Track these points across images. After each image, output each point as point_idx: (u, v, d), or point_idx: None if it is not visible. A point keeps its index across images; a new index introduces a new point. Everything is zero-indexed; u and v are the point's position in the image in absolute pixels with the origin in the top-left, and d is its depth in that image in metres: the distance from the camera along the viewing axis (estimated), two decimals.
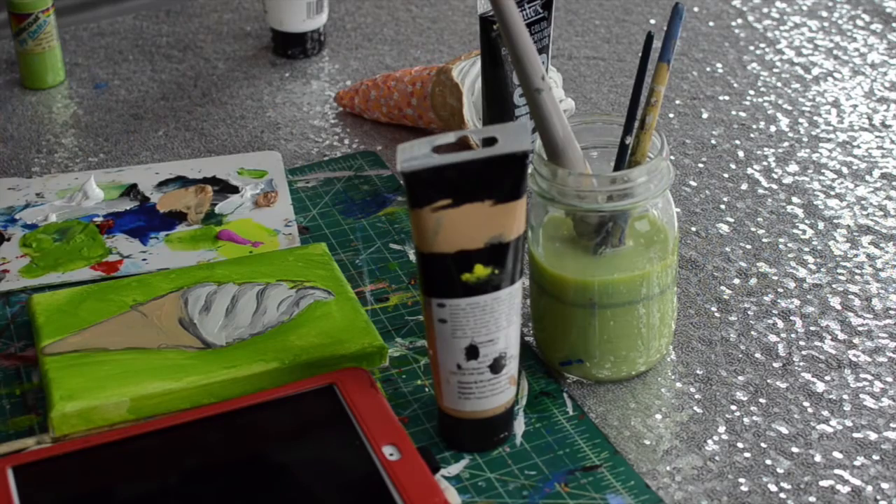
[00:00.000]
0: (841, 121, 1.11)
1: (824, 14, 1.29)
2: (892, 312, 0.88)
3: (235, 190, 1.01)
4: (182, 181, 1.03)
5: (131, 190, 1.02)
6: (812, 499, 0.75)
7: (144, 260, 0.94)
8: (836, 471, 0.76)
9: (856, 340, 0.86)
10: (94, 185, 1.01)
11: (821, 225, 0.98)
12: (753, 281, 0.92)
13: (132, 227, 0.98)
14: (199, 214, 0.98)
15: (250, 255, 0.94)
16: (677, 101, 1.14)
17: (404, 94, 1.08)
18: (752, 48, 1.23)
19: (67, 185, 1.02)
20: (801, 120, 1.11)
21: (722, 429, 0.79)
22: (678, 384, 0.83)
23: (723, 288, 0.91)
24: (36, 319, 0.86)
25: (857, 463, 0.77)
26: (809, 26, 1.26)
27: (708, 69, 1.19)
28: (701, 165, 1.05)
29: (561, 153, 0.78)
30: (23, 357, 0.86)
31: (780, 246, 0.95)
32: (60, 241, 0.96)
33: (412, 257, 0.95)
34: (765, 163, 1.05)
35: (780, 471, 0.76)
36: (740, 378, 0.83)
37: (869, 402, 0.81)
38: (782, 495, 0.75)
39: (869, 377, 0.83)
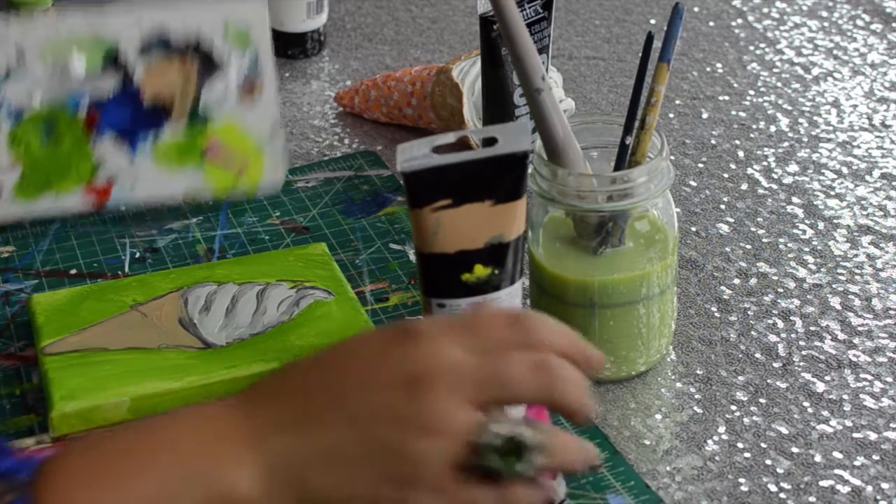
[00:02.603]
0: (841, 121, 1.11)
1: (824, 14, 1.29)
2: (892, 312, 0.88)
3: (220, 64, 0.97)
4: (166, 45, 0.97)
5: (114, 58, 0.96)
6: (812, 499, 0.75)
7: (132, 189, 0.97)
8: (836, 471, 0.76)
9: (856, 340, 0.86)
10: (77, 58, 0.96)
11: (821, 225, 0.98)
12: (753, 281, 0.92)
13: (119, 126, 0.96)
14: (186, 103, 0.96)
15: (251, 255, 0.94)
16: (677, 101, 1.14)
17: (404, 94, 1.08)
18: (752, 48, 1.23)
19: (49, 37, 0.95)
20: (801, 120, 1.11)
21: (722, 429, 0.79)
22: (678, 384, 0.83)
23: (723, 288, 0.91)
24: (36, 319, 0.86)
25: (857, 463, 0.77)
26: (809, 26, 1.26)
27: (708, 69, 1.19)
28: (701, 165, 1.05)
29: (561, 153, 0.78)
30: (23, 357, 0.86)
31: (780, 246, 0.95)
32: (48, 142, 0.95)
33: (412, 257, 0.95)
34: (765, 163, 1.05)
35: (780, 471, 0.76)
36: (740, 378, 0.83)
37: (869, 402, 0.81)
38: (782, 495, 0.75)
39: (869, 377, 0.83)
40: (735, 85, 1.17)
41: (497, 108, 0.96)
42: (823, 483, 0.76)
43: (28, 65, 0.95)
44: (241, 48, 0.97)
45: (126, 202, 0.96)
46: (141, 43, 0.96)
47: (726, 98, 1.15)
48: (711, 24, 1.28)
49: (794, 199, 1.01)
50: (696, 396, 0.82)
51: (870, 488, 0.75)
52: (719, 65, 1.20)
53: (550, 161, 0.79)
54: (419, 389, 0.59)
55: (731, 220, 0.99)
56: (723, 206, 1.00)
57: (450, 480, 0.59)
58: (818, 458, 0.77)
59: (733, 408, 0.81)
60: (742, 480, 0.76)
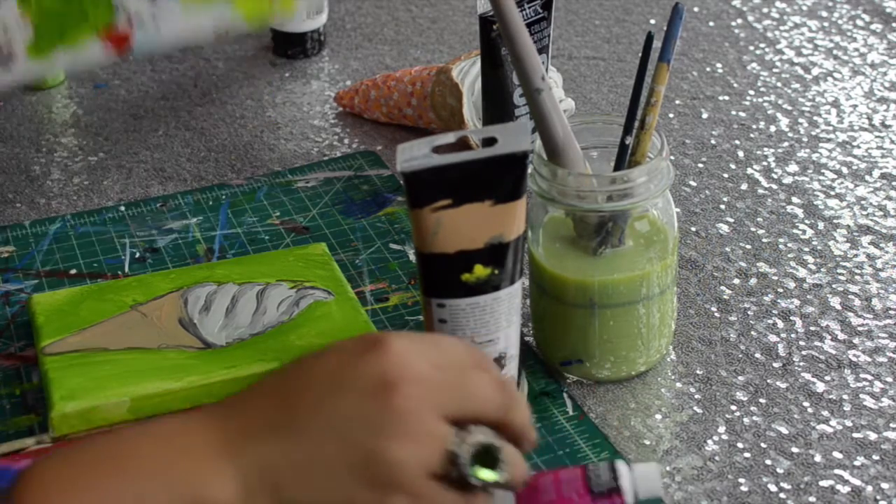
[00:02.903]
0: (841, 121, 1.11)
1: (824, 14, 1.29)
2: (892, 312, 0.88)
3: None
4: None
5: None
6: (812, 499, 0.75)
7: (156, 31, 0.87)
8: (836, 471, 0.76)
9: (856, 340, 0.86)
10: None
11: (821, 225, 0.98)
12: (753, 281, 0.92)
13: None
14: None
15: (251, 255, 0.94)
16: (677, 101, 1.14)
17: (404, 94, 1.08)
18: (752, 48, 1.23)
19: None
20: (800, 120, 1.11)
21: (722, 429, 0.79)
22: (678, 384, 0.83)
23: (723, 288, 0.91)
24: (36, 319, 0.86)
25: (857, 463, 0.77)
26: (809, 26, 1.26)
27: (708, 69, 1.19)
28: (701, 165, 1.05)
29: (561, 153, 0.78)
30: (23, 357, 0.86)
31: (780, 246, 0.95)
32: None
33: (412, 257, 0.95)
34: (765, 163, 1.05)
35: (780, 471, 0.76)
36: (740, 378, 0.83)
37: (869, 402, 0.81)
38: (782, 495, 0.75)
39: (869, 377, 0.83)
40: (735, 85, 1.17)
41: (497, 108, 0.96)
42: (823, 483, 0.76)
43: None
44: None
45: (151, 47, 0.87)
46: None
47: (726, 98, 1.15)
48: (711, 24, 1.28)
49: (794, 199, 1.01)
50: (696, 396, 0.82)
51: (870, 488, 0.75)
52: (719, 65, 1.20)
53: (550, 161, 0.79)
54: (392, 395, 0.60)
55: (731, 220, 0.99)
56: (723, 206, 1.00)
57: (425, 486, 0.60)
58: (818, 458, 0.77)
59: (733, 408, 0.81)
60: (742, 480, 0.76)
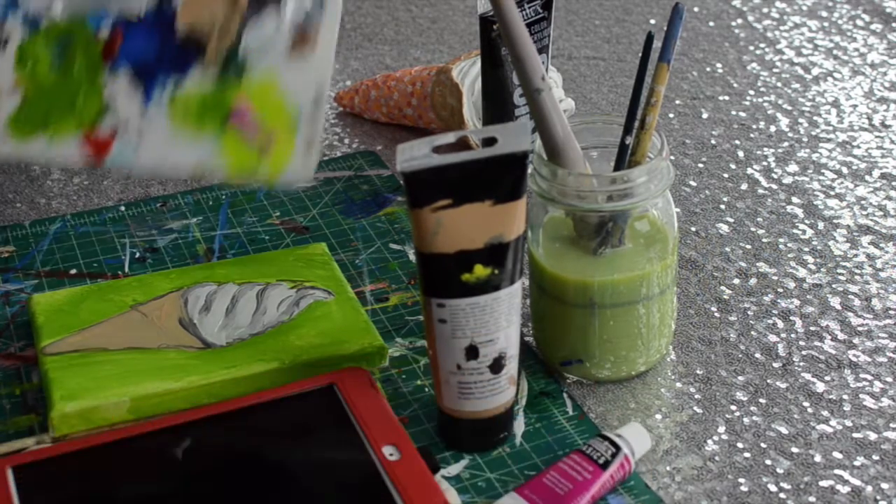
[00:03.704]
0: (841, 121, 1.11)
1: (824, 14, 1.29)
2: (892, 312, 0.88)
3: (276, 1, 0.82)
4: None
5: None
6: (812, 499, 0.75)
7: (136, 149, 0.82)
8: (836, 471, 0.76)
9: (856, 340, 0.86)
10: None
11: (821, 225, 0.98)
12: (753, 281, 0.92)
13: (141, 59, 0.82)
14: (223, 44, 0.81)
15: (251, 255, 0.94)
16: (677, 101, 1.14)
17: (404, 94, 1.09)
18: (752, 48, 1.23)
19: None
20: (801, 120, 1.11)
21: (722, 429, 0.79)
22: (678, 384, 0.83)
23: (723, 288, 0.91)
24: (36, 319, 0.86)
25: (857, 463, 0.77)
26: (809, 26, 1.27)
27: (708, 69, 1.19)
28: (701, 165, 1.05)
29: (561, 153, 0.78)
30: (23, 357, 0.86)
31: (780, 246, 0.95)
32: (59, 65, 0.83)
33: (412, 257, 0.95)
34: (765, 163, 1.05)
35: (780, 471, 0.76)
36: (740, 378, 0.83)
37: (869, 402, 0.81)
38: (782, 495, 0.75)
39: (869, 377, 0.83)
40: (735, 85, 1.17)
41: (497, 108, 0.96)
42: (823, 483, 0.76)
43: None
44: None
45: (126, 165, 0.82)
46: None
47: (726, 98, 1.15)
48: (711, 24, 1.28)
49: (794, 199, 1.01)
50: (696, 396, 0.82)
51: (870, 488, 0.75)
52: (719, 65, 1.20)
53: (550, 161, 0.79)
54: None
55: (731, 220, 0.99)
56: (723, 206, 1.00)
57: None
58: (818, 458, 0.77)
59: (733, 408, 0.81)
60: (742, 480, 0.76)
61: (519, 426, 0.79)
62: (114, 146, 0.82)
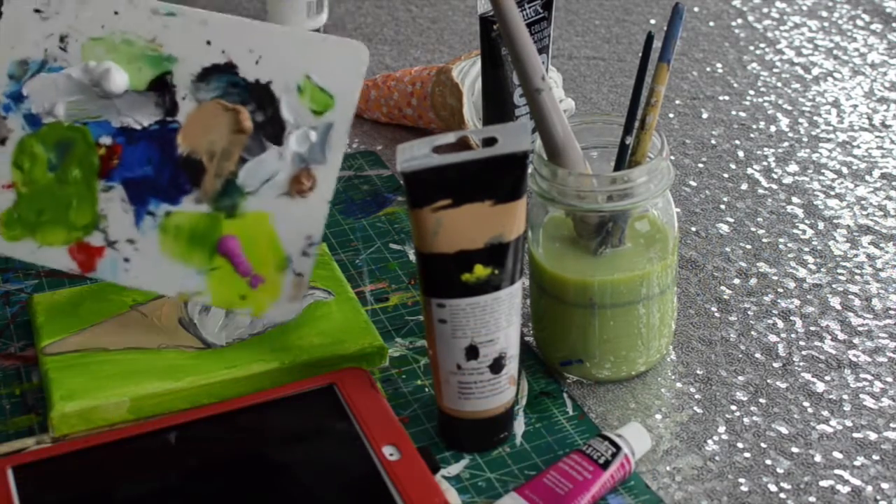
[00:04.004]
0: (841, 121, 1.11)
1: (824, 14, 1.29)
2: (892, 312, 0.88)
3: (280, 133, 0.79)
4: (228, 80, 0.80)
5: (162, 84, 0.81)
6: (812, 499, 0.75)
7: (126, 269, 0.82)
8: (836, 471, 0.76)
9: (856, 340, 0.86)
10: (118, 75, 0.81)
11: (821, 225, 0.98)
12: (753, 281, 0.92)
13: (137, 178, 0.81)
14: (219, 179, 0.79)
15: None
16: (677, 101, 1.14)
17: (404, 94, 1.09)
18: (752, 48, 1.23)
19: (101, 32, 0.82)
20: (801, 120, 1.11)
21: (722, 429, 0.79)
22: (678, 384, 0.83)
23: (723, 288, 0.91)
24: (36, 319, 0.86)
25: (857, 463, 0.77)
26: (809, 26, 1.27)
27: (708, 69, 1.19)
28: (701, 165, 1.05)
29: (561, 153, 0.78)
30: (23, 357, 0.86)
31: (780, 246, 0.95)
32: (56, 168, 0.82)
33: (412, 257, 0.95)
34: (765, 163, 1.05)
35: (780, 471, 0.76)
36: (740, 378, 0.83)
37: (869, 402, 0.81)
38: (782, 495, 0.75)
39: (869, 377, 0.83)
40: (735, 85, 1.17)
41: (497, 108, 0.96)
42: (823, 483, 0.76)
43: (69, 56, 0.82)
44: (316, 114, 0.80)
45: (111, 280, 0.83)
46: (201, 67, 0.81)
47: (726, 98, 1.15)
48: (711, 24, 1.28)
49: (794, 199, 1.01)
50: (696, 396, 0.82)
51: (870, 488, 0.75)
52: (719, 65, 1.20)
53: (550, 161, 0.79)
54: None
55: (731, 220, 0.99)
56: (723, 206, 1.00)
57: None
58: (818, 458, 0.77)
59: (733, 408, 0.81)
60: (742, 480, 0.76)
61: (519, 426, 0.79)
62: (99, 263, 0.82)
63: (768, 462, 0.77)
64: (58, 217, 0.82)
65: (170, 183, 0.81)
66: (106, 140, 0.82)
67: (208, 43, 0.80)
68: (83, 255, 0.83)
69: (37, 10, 0.82)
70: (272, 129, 0.80)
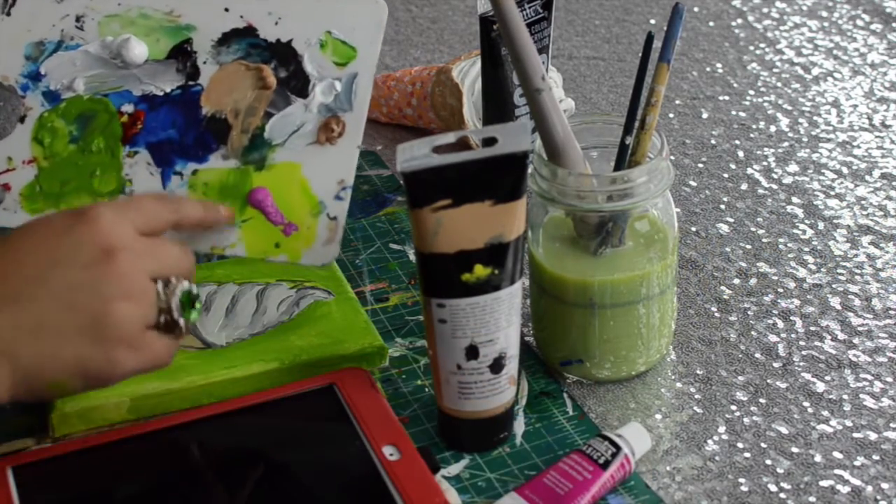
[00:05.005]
0: (841, 121, 1.11)
1: (824, 14, 1.29)
2: (892, 312, 0.88)
3: (305, 87, 0.80)
4: (249, 42, 0.81)
5: (182, 51, 0.81)
6: (812, 499, 0.75)
7: None
8: (836, 471, 0.76)
9: (856, 340, 0.86)
10: (137, 46, 0.81)
11: (821, 225, 0.98)
12: (753, 281, 0.92)
13: (162, 140, 0.81)
14: (245, 134, 0.80)
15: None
16: (677, 101, 1.14)
17: (404, 94, 1.09)
18: (752, 48, 1.23)
19: (115, 10, 0.82)
20: (801, 120, 1.11)
21: (722, 429, 0.79)
22: (678, 384, 0.83)
23: (723, 288, 0.91)
24: None
25: (857, 463, 0.77)
26: (809, 26, 1.27)
27: (708, 69, 1.19)
28: (701, 165, 1.05)
29: (561, 153, 0.78)
30: None
31: (780, 246, 0.95)
32: (77, 139, 0.81)
33: (412, 257, 0.95)
34: (765, 163, 1.05)
35: (780, 471, 0.76)
36: (740, 378, 0.83)
37: (869, 402, 0.81)
38: (782, 495, 0.75)
39: (869, 377, 0.83)
40: (735, 85, 1.17)
41: (497, 108, 0.96)
42: (823, 483, 0.76)
43: (85, 34, 0.81)
44: (339, 65, 0.80)
45: None
46: (221, 33, 0.81)
47: (726, 98, 1.15)
48: (711, 24, 1.28)
49: (794, 199, 1.01)
50: (696, 396, 0.82)
51: (870, 488, 0.75)
52: (719, 65, 1.20)
53: (550, 161, 0.79)
54: (110, 263, 0.68)
55: (731, 220, 0.99)
56: (723, 206, 1.00)
57: (145, 337, 0.69)
58: (818, 458, 0.77)
59: (733, 408, 0.81)
60: (742, 480, 0.76)
61: (519, 426, 0.79)
62: None
63: (768, 462, 0.77)
64: (82, 185, 0.81)
65: (195, 143, 0.80)
66: (128, 108, 0.81)
67: (226, 10, 0.81)
68: None
69: None
70: (297, 83, 0.80)
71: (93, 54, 0.81)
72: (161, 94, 0.81)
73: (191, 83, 0.81)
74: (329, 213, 0.79)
